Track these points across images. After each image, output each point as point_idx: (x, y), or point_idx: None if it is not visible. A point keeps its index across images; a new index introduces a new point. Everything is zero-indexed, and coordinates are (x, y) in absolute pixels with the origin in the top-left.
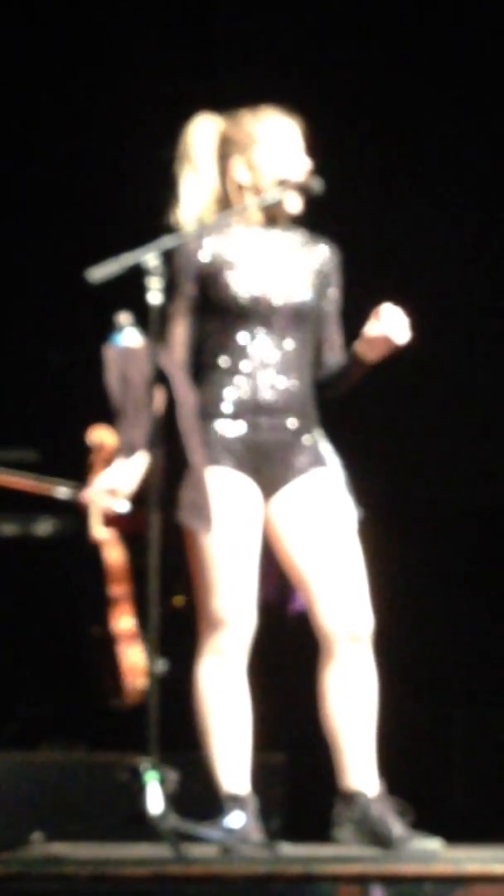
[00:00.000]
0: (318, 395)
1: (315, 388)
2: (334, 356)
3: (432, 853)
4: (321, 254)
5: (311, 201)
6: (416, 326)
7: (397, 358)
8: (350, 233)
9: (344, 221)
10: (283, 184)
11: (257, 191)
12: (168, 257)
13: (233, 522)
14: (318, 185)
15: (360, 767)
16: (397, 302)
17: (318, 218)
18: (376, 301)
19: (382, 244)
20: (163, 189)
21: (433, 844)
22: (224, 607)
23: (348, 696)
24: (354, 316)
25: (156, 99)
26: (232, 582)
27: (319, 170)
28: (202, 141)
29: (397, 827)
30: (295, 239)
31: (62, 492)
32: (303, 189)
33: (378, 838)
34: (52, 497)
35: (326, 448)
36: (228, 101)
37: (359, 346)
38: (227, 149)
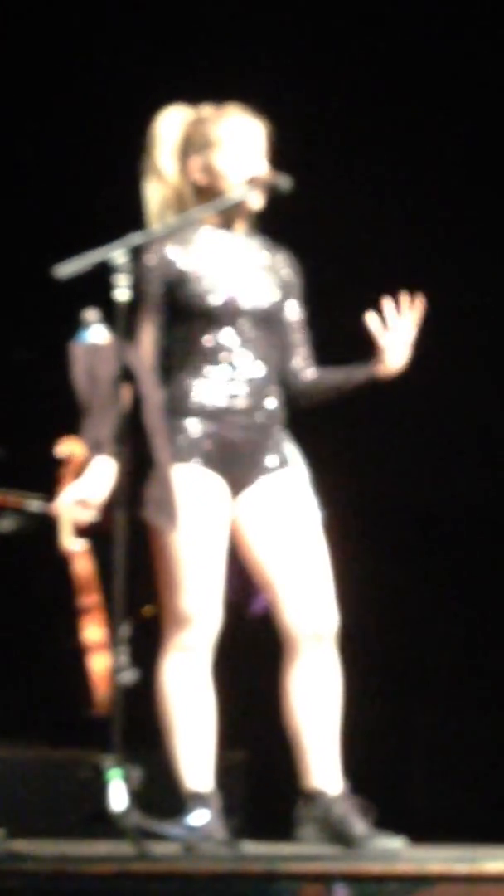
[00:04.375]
0: (289, 403)
1: (284, 393)
2: (302, 361)
3: (395, 852)
4: (283, 261)
5: (276, 207)
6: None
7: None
8: (315, 237)
9: (309, 226)
10: (251, 182)
11: (214, 193)
12: (136, 258)
13: (199, 520)
14: (286, 182)
15: (322, 766)
16: (360, 307)
17: (282, 222)
18: (341, 309)
19: (348, 250)
20: (131, 185)
21: (396, 843)
22: (190, 604)
23: (312, 695)
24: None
25: (123, 93)
26: (198, 579)
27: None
28: (165, 136)
29: (360, 826)
30: (258, 244)
31: (33, 504)
32: (271, 187)
33: (340, 837)
34: (20, 509)
35: (292, 449)
36: (201, 94)
37: (375, 360)
38: (187, 147)
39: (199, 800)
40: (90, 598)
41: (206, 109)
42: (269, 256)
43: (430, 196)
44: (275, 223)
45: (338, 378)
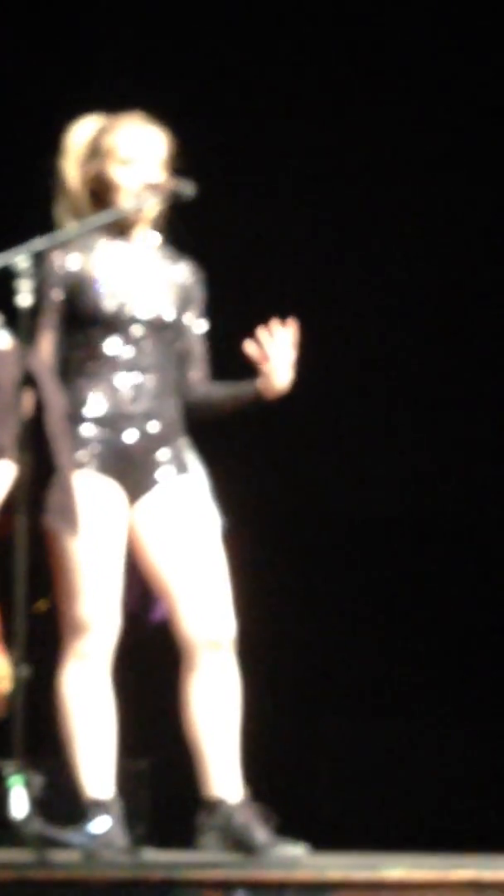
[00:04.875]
0: (186, 415)
1: (182, 404)
2: (198, 373)
3: (296, 859)
4: (183, 270)
5: (179, 215)
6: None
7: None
8: (219, 247)
9: (212, 235)
10: (147, 189)
11: (110, 202)
12: (38, 264)
13: (97, 526)
14: (188, 188)
15: (222, 775)
16: (264, 318)
17: (183, 231)
18: (243, 320)
19: (251, 258)
20: (34, 190)
21: (297, 850)
22: (87, 612)
23: (210, 703)
24: (219, 335)
25: (28, 98)
26: (95, 586)
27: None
28: (72, 145)
29: (261, 833)
30: (158, 253)
31: None
32: (172, 195)
33: (242, 845)
34: None
35: (191, 457)
36: (105, 103)
37: (260, 382)
38: (87, 156)
39: (99, 807)
40: None
41: (107, 119)
42: (169, 266)
43: (333, 207)
44: (182, 233)
45: (225, 396)
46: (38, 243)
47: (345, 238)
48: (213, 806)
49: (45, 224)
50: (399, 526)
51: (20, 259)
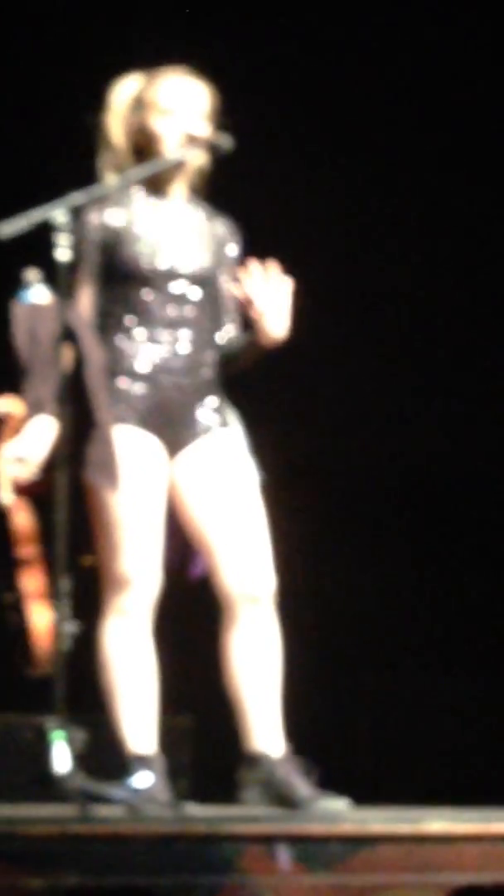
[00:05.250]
0: (233, 365)
1: (218, 357)
2: (230, 328)
3: (338, 813)
4: (221, 227)
5: (221, 171)
6: (320, 288)
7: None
8: (261, 205)
9: (253, 191)
10: (191, 141)
11: (152, 155)
12: (76, 218)
13: (138, 481)
14: (226, 142)
15: (264, 729)
16: (297, 273)
17: (225, 188)
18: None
19: (291, 217)
20: (72, 144)
21: (340, 804)
22: (128, 567)
23: (250, 658)
24: None
25: (67, 54)
26: (136, 541)
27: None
28: (115, 102)
29: (303, 787)
30: (197, 209)
31: None
32: (211, 147)
33: (283, 799)
34: None
35: (230, 411)
36: (147, 60)
37: (254, 330)
38: (130, 111)
39: (142, 762)
40: (29, 551)
41: (149, 74)
42: (207, 221)
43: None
44: (220, 192)
45: (239, 348)
46: (77, 197)
47: (381, 192)
48: (255, 760)
49: (83, 179)
50: (440, 476)
51: (58, 213)
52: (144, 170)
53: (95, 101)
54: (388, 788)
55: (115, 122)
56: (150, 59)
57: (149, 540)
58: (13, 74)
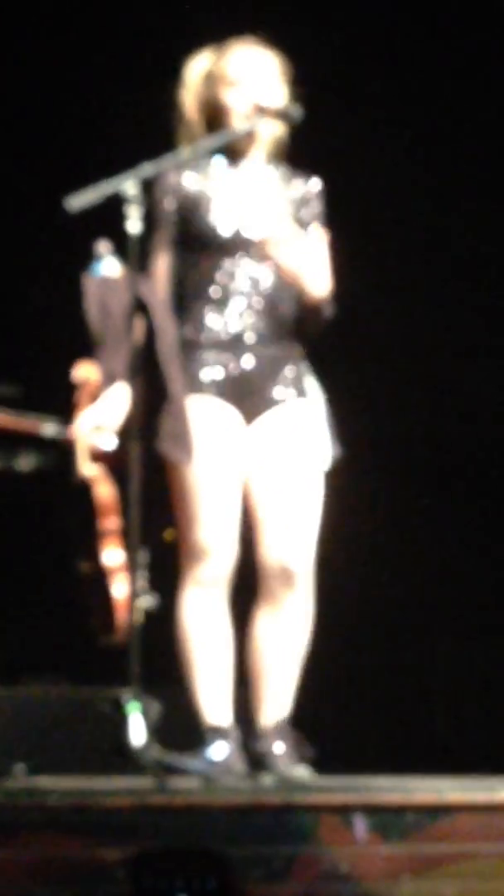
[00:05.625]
0: (301, 331)
1: (299, 322)
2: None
3: (299, 780)
4: (301, 187)
5: (296, 135)
6: (398, 263)
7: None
8: (335, 167)
9: (328, 156)
10: (260, 111)
11: (223, 126)
12: (148, 189)
13: (214, 452)
14: (296, 112)
15: (267, 701)
16: (384, 240)
17: (301, 153)
18: (356, 238)
19: (369, 181)
20: (142, 116)
21: (302, 771)
22: (205, 539)
23: (271, 635)
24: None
25: (137, 28)
26: (213, 513)
27: (306, 103)
28: (189, 77)
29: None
30: (274, 173)
31: (48, 429)
32: (281, 116)
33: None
34: (36, 434)
35: (310, 381)
36: (220, 34)
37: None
38: (205, 87)
39: (218, 734)
40: (111, 523)
41: (219, 47)
42: (284, 186)
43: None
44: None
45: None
46: (147, 169)
47: (451, 153)
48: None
49: (154, 151)
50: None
51: (129, 185)
52: (214, 140)
53: (171, 78)
54: (463, 757)
55: (189, 97)
56: (223, 33)
57: (225, 511)
58: (89, 49)
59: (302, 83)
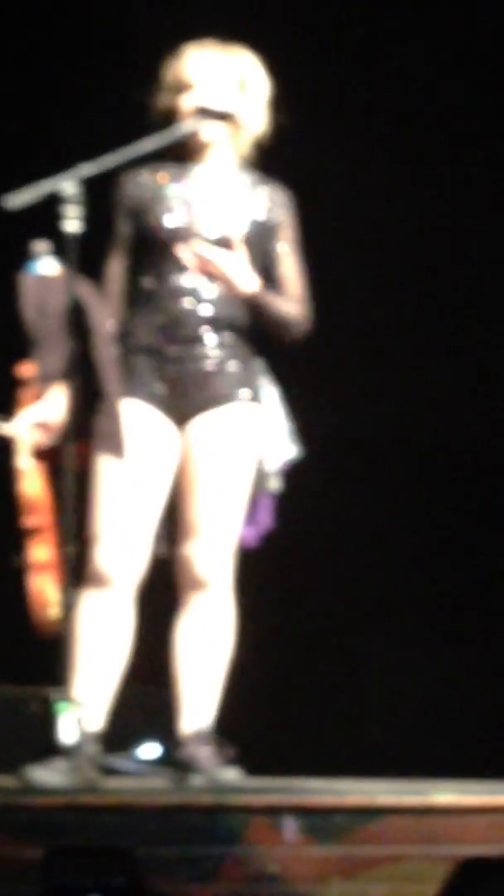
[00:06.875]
0: (267, 338)
1: (264, 330)
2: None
3: (229, 782)
4: (268, 195)
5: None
6: (365, 263)
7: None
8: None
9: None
10: (202, 112)
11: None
12: (89, 189)
13: (138, 459)
14: (242, 112)
15: (187, 707)
16: (350, 241)
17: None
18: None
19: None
20: (81, 113)
21: (232, 773)
22: (108, 542)
23: (189, 643)
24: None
25: (87, 23)
26: (117, 522)
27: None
28: (163, 76)
29: (202, 760)
30: (239, 178)
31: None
32: (223, 118)
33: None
34: None
35: (261, 382)
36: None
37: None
38: (165, 90)
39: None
40: (39, 519)
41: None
42: (250, 190)
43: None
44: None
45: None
46: (85, 169)
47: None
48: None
49: (96, 152)
50: (464, 454)
51: (68, 185)
52: (157, 141)
53: (117, 76)
54: (395, 761)
55: (155, 99)
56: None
57: (134, 519)
58: (33, 44)
59: (282, 86)
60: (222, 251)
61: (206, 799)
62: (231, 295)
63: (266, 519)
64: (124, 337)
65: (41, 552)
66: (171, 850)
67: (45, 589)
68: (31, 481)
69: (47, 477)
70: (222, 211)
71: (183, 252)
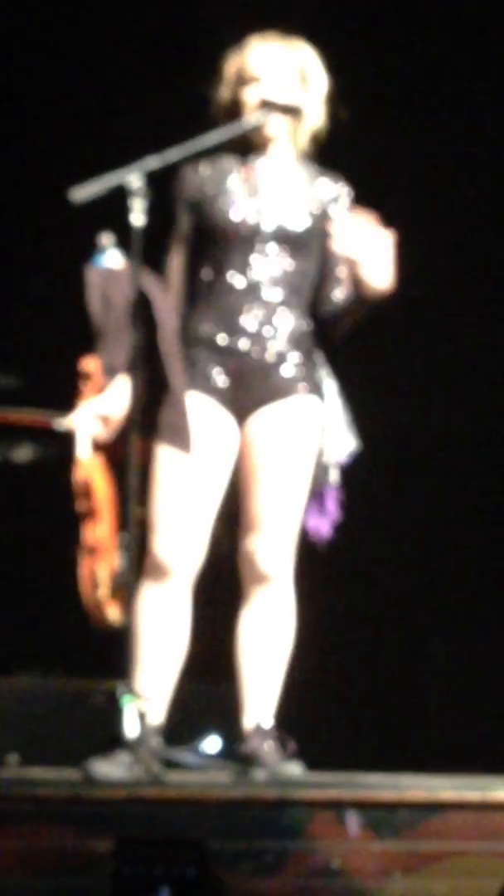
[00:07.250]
0: (322, 332)
1: (318, 322)
2: (340, 293)
3: (292, 778)
4: (327, 188)
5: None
6: (417, 259)
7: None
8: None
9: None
10: (266, 105)
11: (236, 120)
12: (154, 182)
13: (200, 452)
14: (301, 107)
15: (251, 702)
16: (404, 234)
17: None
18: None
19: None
20: (149, 109)
21: (295, 769)
22: (168, 538)
23: (253, 638)
24: None
25: (151, 21)
26: (179, 512)
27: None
28: (222, 75)
29: (266, 756)
30: (299, 171)
31: (59, 423)
32: (288, 111)
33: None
34: (47, 427)
35: (321, 375)
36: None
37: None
38: (230, 82)
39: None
40: (89, 504)
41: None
42: (308, 184)
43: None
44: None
45: (341, 308)
46: (152, 162)
47: (484, 145)
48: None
49: (161, 145)
50: None
51: (133, 178)
52: (221, 134)
53: (179, 72)
54: (456, 756)
55: (218, 93)
56: (240, 27)
57: (194, 511)
58: (96, 40)
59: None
60: (384, 241)
61: (270, 793)
62: (368, 293)
63: (335, 510)
64: (185, 329)
65: (94, 534)
66: (234, 843)
67: (96, 570)
68: (88, 471)
69: (106, 468)
70: (285, 204)
71: (338, 241)
